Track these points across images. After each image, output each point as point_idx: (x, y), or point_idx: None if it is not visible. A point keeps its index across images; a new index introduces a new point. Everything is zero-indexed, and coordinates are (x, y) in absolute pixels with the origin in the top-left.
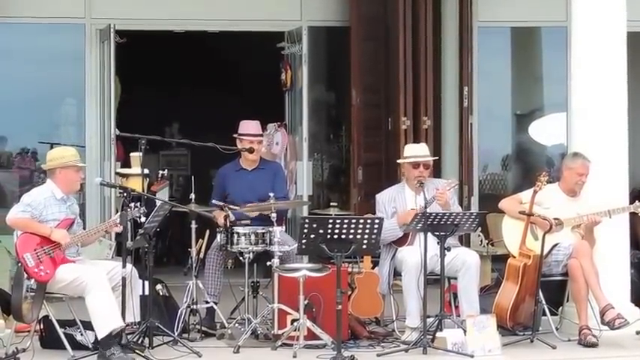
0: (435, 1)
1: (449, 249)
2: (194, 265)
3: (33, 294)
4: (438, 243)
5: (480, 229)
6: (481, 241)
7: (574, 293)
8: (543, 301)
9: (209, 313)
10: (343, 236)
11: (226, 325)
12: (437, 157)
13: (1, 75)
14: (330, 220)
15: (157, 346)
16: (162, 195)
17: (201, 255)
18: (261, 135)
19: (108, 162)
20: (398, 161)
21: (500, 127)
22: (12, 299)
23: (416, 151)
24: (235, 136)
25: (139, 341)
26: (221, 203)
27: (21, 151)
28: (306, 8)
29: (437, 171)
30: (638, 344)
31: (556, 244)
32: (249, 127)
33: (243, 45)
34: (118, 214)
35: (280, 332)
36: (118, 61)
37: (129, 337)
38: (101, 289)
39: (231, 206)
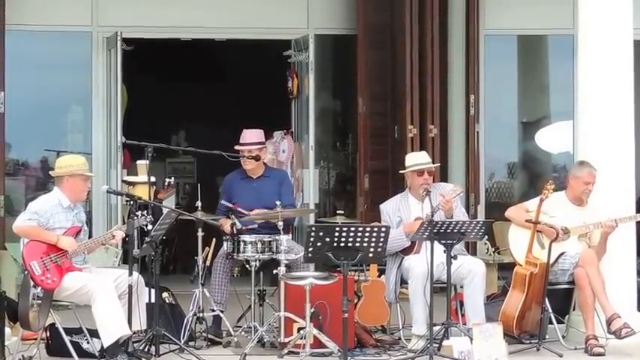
0: (442, 9)
1: (455, 257)
2: (200, 273)
3: (39, 302)
4: (444, 251)
5: (486, 237)
6: (487, 249)
7: (580, 302)
8: (550, 310)
9: (215, 321)
10: (350, 244)
11: (233, 333)
12: (439, 164)
13: (9, 82)
14: (337, 229)
15: (163, 354)
16: (169, 203)
17: (208, 263)
18: (259, 143)
19: (114, 170)
20: (401, 172)
21: (506, 135)
22: (19, 307)
23: (418, 160)
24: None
25: (146, 349)
26: (230, 205)
27: (27, 159)
28: (313, 16)
29: (444, 179)
30: None
31: (562, 253)
32: (245, 136)
33: (249, 52)
34: (117, 225)
35: (287, 340)
36: (124, 68)
37: (135, 345)
38: (107, 296)
39: (241, 210)
